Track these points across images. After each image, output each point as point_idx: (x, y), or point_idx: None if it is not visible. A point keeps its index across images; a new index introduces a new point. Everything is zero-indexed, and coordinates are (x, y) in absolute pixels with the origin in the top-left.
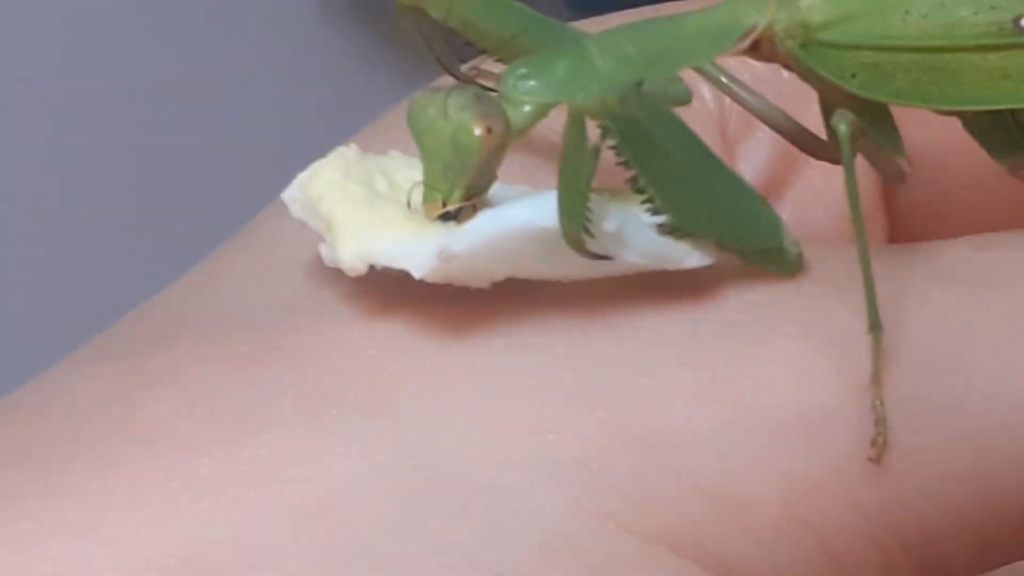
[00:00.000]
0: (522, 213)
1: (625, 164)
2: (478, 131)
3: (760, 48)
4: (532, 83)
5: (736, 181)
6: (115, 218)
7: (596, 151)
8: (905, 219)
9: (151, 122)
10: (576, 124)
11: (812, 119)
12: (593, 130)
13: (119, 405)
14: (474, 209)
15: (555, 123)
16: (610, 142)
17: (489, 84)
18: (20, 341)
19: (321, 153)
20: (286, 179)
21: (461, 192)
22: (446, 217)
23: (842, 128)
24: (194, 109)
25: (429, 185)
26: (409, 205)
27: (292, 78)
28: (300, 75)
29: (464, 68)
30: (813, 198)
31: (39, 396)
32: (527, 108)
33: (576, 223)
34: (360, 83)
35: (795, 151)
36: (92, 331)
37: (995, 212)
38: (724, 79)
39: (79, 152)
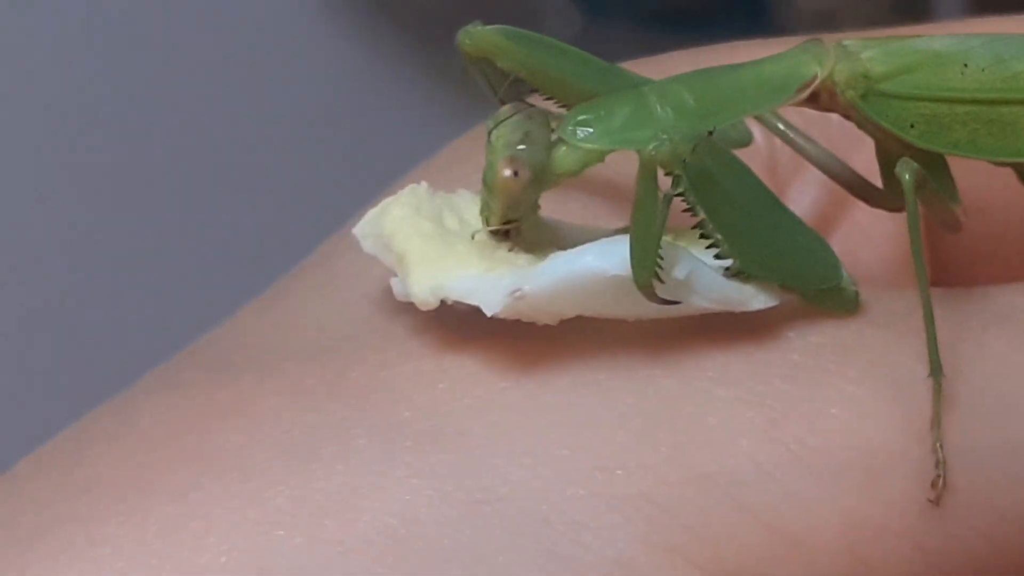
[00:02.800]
0: (593, 260)
1: (692, 211)
2: (505, 173)
3: (819, 98)
4: (590, 130)
5: (798, 224)
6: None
7: (667, 200)
8: (948, 262)
9: (158, 127)
10: (648, 174)
11: (859, 163)
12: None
13: (192, 435)
14: (519, 232)
15: (612, 161)
16: (678, 189)
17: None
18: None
19: (324, 146)
20: (290, 173)
21: (496, 218)
22: (497, 236)
23: (907, 177)
24: (202, 110)
25: (482, 202)
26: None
27: (295, 75)
28: (303, 72)
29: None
30: (860, 238)
31: (109, 424)
32: (584, 152)
33: (647, 271)
34: (362, 77)
35: (843, 192)
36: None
37: None
38: (781, 125)
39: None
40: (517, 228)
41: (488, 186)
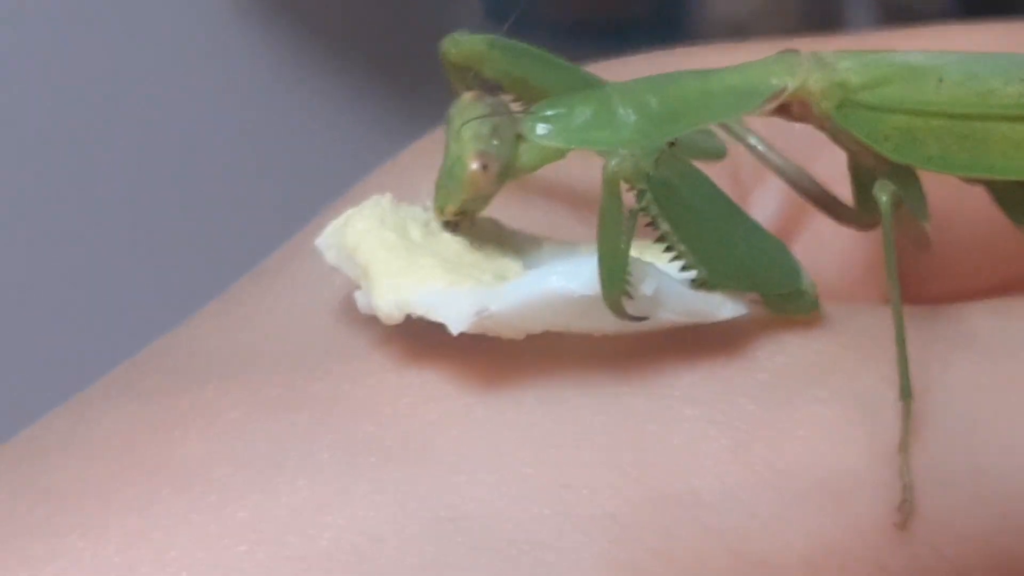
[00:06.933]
0: (559, 280)
1: (655, 224)
2: (473, 166)
3: (790, 109)
4: (551, 127)
5: (759, 230)
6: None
7: (633, 216)
8: (914, 274)
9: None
10: (612, 191)
11: (819, 170)
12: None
13: (153, 445)
14: (470, 224)
15: (576, 170)
16: (643, 204)
17: None
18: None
19: (242, 150)
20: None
21: (453, 209)
22: (447, 227)
23: (883, 199)
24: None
25: (437, 188)
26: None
27: (205, 76)
28: (213, 73)
29: None
30: (820, 247)
31: (67, 430)
32: (543, 149)
33: (617, 289)
34: (276, 78)
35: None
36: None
37: (999, 270)
38: (751, 139)
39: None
40: (470, 220)
41: (454, 178)
